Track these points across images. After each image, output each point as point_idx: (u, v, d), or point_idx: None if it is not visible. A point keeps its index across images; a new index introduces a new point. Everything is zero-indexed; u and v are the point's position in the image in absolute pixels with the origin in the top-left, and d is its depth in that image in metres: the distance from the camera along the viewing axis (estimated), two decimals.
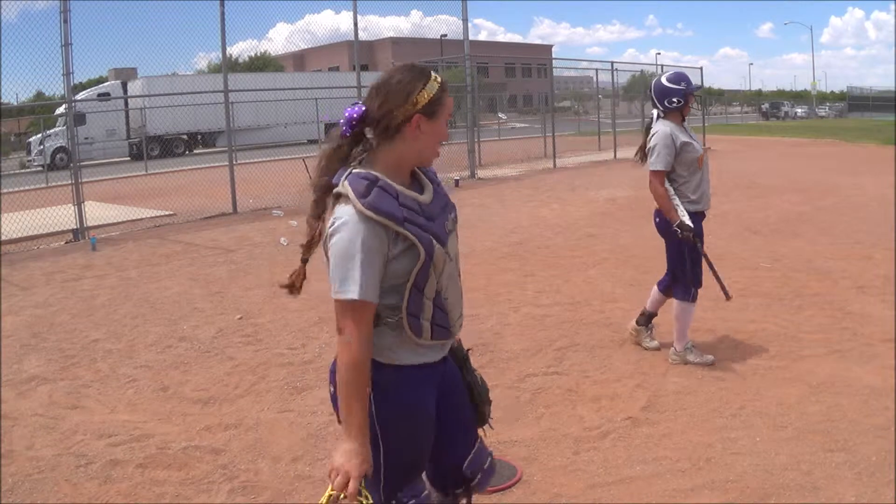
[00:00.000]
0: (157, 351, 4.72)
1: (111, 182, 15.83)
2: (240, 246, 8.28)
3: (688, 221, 3.85)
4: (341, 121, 1.69)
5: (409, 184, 1.75)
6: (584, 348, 4.42)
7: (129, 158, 25.14)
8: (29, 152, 23.75)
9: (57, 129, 21.70)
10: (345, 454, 1.63)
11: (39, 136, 21.93)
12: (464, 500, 2.00)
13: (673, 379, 3.88)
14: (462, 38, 15.10)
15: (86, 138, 19.62)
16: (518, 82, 55.91)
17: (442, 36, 32.84)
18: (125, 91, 27.34)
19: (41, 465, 3.19)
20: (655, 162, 3.90)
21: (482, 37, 72.36)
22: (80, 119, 17.22)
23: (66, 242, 8.97)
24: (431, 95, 1.67)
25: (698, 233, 3.97)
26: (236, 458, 3.19)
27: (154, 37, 37.86)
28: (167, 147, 25.13)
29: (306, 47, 38.57)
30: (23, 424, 3.63)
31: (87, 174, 11.10)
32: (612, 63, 21.31)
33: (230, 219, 10.31)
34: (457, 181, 13.30)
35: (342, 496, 1.61)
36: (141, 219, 10.53)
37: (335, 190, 1.66)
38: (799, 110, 52.17)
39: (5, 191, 11.54)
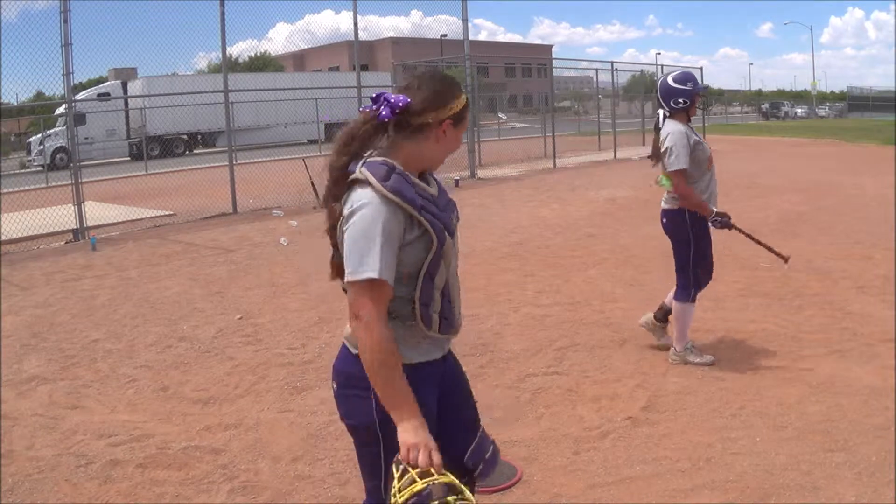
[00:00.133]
0: (157, 351, 4.72)
1: (111, 182, 15.84)
2: (240, 246, 8.28)
3: (718, 210, 3.90)
4: (372, 107, 1.70)
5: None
6: (584, 348, 4.42)
7: (129, 158, 25.15)
8: (29, 152, 23.76)
9: (57, 129, 21.71)
10: (411, 431, 1.58)
11: (39, 136, 21.93)
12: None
13: (673, 379, 3.88)
14: (462, 38, 15.12)
15: (86, 138, 19.63)
16: (518, 82, 55.92)
17: (442, 36, 32.86)
18: (125, 91, 27.33)
19: (41, 465, 3.19)
20: (676, 162, 3.85)
21: (482, 37, 72.44)
22: (80, 119, 17.24)
23: (66, 242, 8.97)
24: (462, 106, 1.76)
25: (705, 233, 3.98)
26: (236, 458, 3.19)
27: (154, 37, 37.97)
28: (167, 147, 25.14)
29: (306, 47, 38.63)
30: (23, 424, 3.63)
31: (87, 174, 11.11)
32: (612, 63, 21.37)
33: (230, 219, 10.31)
34: (457, 181, 13.30)
35: (431, 475, 1.53)
36: (141, 219, 10.53)
37: (351, 177, 1.67)
38: (799, 110, 52.18)
39: (5, 191, 11.54)
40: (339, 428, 3.41)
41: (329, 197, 1.71)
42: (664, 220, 4.08)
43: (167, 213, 10.91)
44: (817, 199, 10.08)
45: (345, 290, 1.69)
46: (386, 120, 1.69)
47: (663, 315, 4.30)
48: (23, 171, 21.43)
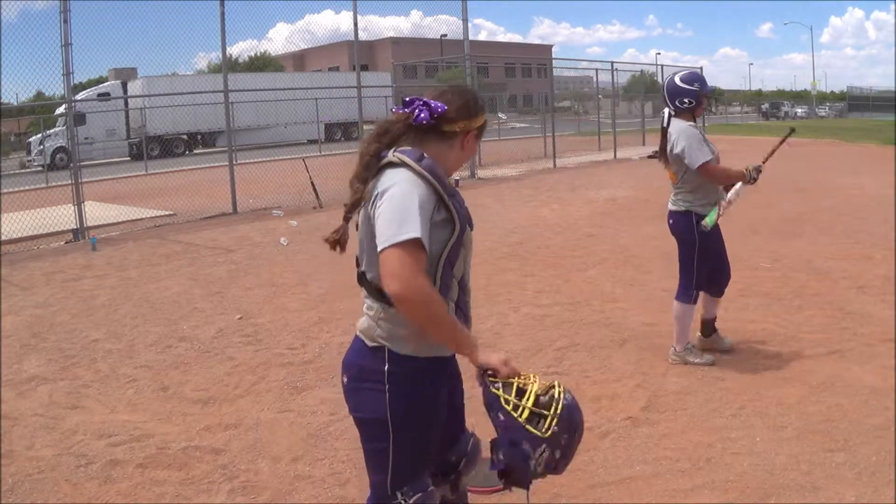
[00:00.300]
0: (157, 351, 4.72)
1: (111, 182, 15.84)
2: (240, 246, 8.28)
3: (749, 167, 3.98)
4: (404, 109, 1.80)
5: None
6: (584, 348, 4.42)
7: (129, 158, 25.14)
8: (29, 152, 23.75)
9: (57, 129, 21.70)
10: (489, 351, 1.73)
11: (39, 136, 21.92)
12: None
13: (673, 379, 3.88)
14: (462, 38, 15.12)
15: (86, 138, 19.62)
16: (518, 82, 55.88)
17: (442, 36, 32.91)
18: (125, 91, 27.33)
19: (41, 465, 3.19)
20: (697, 157, 3.83)
21: (482, 37, 72.39)
22: (80, 119, 17.24)
23: (66, 242, 8.98)
24: (484, 121, 1.90)
25: (712, 233, 3.97)
26: (236, 458, 3.19)
27: (154, 37, 37.96)
28: (167, 147, 25.12)
29: (306, 47, 38.60)
30: (23, 424, 3.63)
31: (87, 174, 11.12)
32: (612, 63, 21.34)
33: (230, 219, 10.32)
34: (457, 181, 13.29)
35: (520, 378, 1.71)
36: (141, 219, 10.53)
37: (385, 160, 1.74)
38: (799, 110, 52.16)
39: (5, 191, 11.54)
40: (339, 428, 3.42)
41: (355, 180, 1.77)
42: (671, 222, 4.09)
43: (167, 213, 10.91)
44: (817, 199, 10.09)
45: (360, 275, 1.79)
46: (423, 123, 1.78)
47: (709, 329, 4.23)
48: (23, 171, 21.43)
